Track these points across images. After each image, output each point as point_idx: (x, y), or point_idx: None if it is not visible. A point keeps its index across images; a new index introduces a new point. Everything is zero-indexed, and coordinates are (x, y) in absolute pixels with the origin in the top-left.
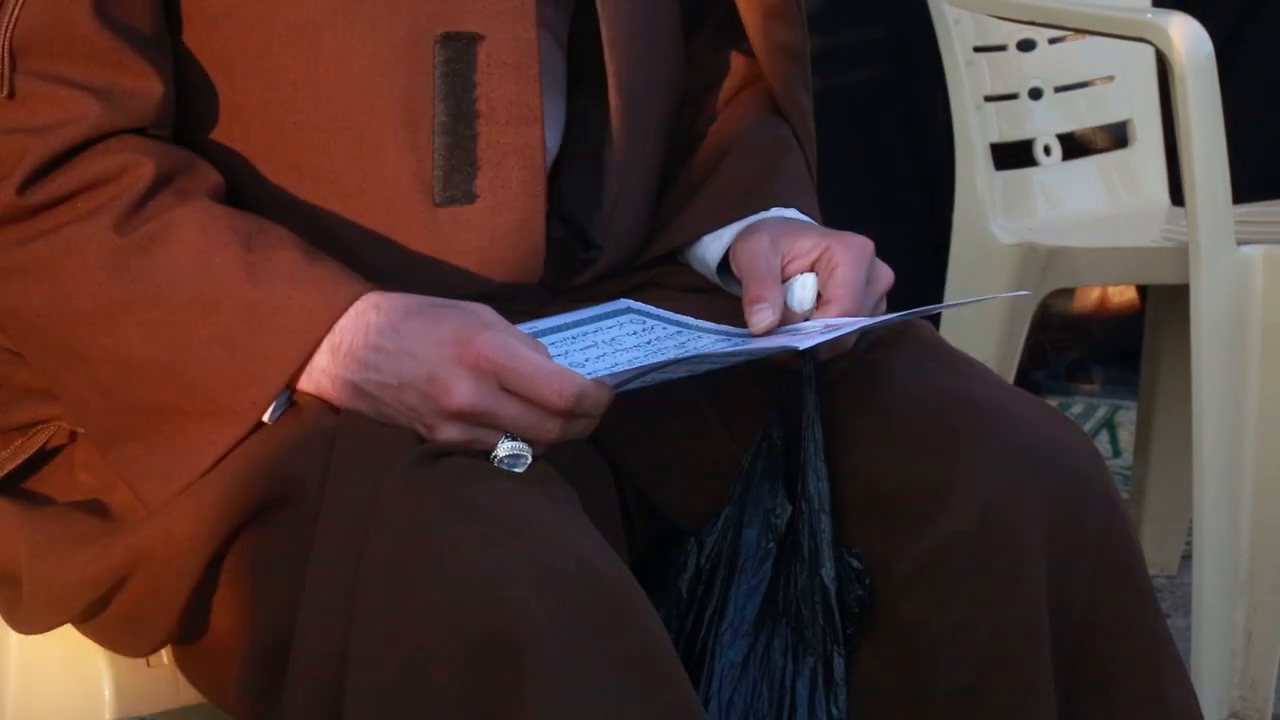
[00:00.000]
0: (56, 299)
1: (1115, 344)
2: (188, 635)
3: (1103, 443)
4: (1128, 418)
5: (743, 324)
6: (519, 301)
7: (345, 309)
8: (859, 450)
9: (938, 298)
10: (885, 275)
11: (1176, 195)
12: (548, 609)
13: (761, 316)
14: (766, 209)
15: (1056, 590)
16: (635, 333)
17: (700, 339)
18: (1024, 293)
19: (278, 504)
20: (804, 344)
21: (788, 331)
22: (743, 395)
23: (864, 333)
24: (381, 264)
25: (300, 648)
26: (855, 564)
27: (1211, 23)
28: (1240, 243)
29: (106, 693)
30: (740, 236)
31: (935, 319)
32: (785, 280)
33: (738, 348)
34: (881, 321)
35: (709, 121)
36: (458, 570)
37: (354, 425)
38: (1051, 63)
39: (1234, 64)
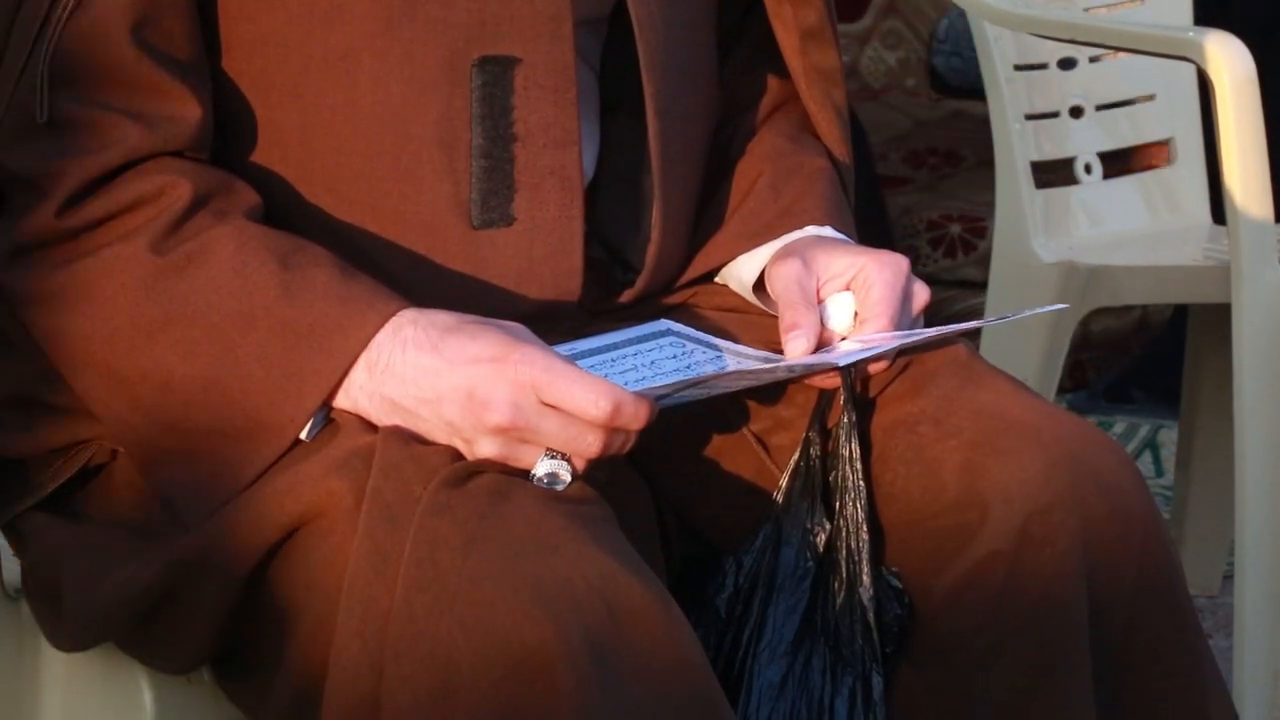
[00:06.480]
0: (96, 320)
1: (1156, 363)
2: (227, 652)
3: (1146, 463)
4: (1170, 437)
5: (780, 345)
6: (557, 322)
7: (382, 325)
8: (897, 469)
9: None
10: (921, 292)
11: (1218, 214)
12: (583, 627)
13: (796, 344)
14: (801, 228)
15: (1096, 610)
16: (675, 356)
17: (740, 364)
18: (1063, 306)
19: (314, 522)
20: (843, 361)
21: (826, 353)
22: (780, 414)
23: (902, 349)
24: (420, 286)
25: (337, 664)
26: (894, 583)
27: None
28: None
29: (147, 709)
30: (774, 260)
31: (975, 336)
32: (821, 301)
33: (776, 365)
34: (920, 340)
35: (744, 142)
36: (492, 588)
37: (391, 442)
38: (1092, 81)
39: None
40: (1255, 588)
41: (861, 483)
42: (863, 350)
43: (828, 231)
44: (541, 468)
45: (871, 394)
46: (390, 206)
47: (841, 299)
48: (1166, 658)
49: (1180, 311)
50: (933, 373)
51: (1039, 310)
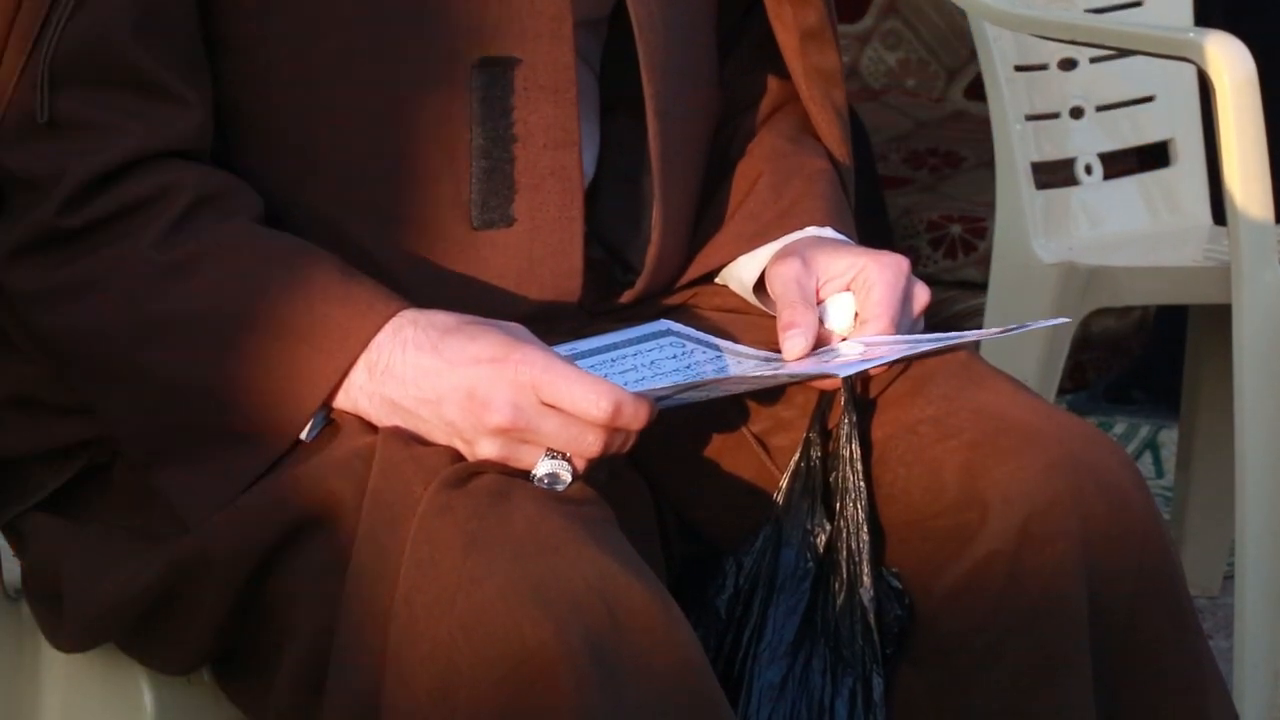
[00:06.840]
0: (97, 320)
1: (1156, 363)
2: (227, 652)
3: (1146, 463)
4: (1170, 438)
5: (780, 346)
6: (557, 322)
7: (382, 326)
8: (897, 470)
9: None
10: (922, 293)
11: (1218, 214)
12: (583, 628)
13: (794, 343)
14: (801, 229)
15: (1096, 610)
16: (675, 356)
17: (740, 364)
18: (1065, 320)
19: (315, 523)
20: (843, 372)
21: (825, 353)
22: (780, 415)
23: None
24: (420, 287)
25: (337, 666)
26: (894, 584)
27: (1260, 39)
28: None
29: (147, 709)
30: (774, 260)
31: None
32: (821, 302)
33: (776, 371)
34: (920, 353)
35: (744, 143)
36: (492, 589)
37: (392, 443)
38: (1093, 82)
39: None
40: (1255, 588)
41: (862, 483)
42: (862, 362)
43: (828, 232)
44: (542, 468)
45: (872, 395)
46: (390, 207)
47: (842, 299)
48: (1166, 658)
49: (1169, 310)
50: (933, 374)
51: (1040, 324)
